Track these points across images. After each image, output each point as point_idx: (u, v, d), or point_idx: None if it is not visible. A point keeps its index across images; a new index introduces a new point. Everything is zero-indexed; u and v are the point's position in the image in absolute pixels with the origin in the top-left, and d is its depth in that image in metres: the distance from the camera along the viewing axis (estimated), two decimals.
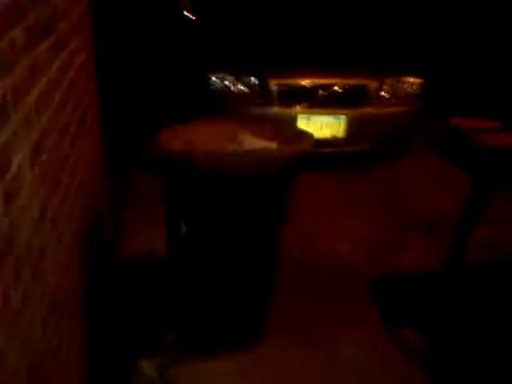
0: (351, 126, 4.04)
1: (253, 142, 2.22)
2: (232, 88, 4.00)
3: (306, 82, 4.02)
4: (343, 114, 4.03)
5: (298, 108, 3.99)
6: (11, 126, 1.22)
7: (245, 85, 4.00)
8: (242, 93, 4.00)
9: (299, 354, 2.41)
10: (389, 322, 2.63)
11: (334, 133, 4.06)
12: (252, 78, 3.99)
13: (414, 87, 4.28)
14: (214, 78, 4.01)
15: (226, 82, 4.01)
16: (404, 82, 4.27)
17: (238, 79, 4.00)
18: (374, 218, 3.56)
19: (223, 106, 3.93)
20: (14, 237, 1.22)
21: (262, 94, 3.98)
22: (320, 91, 4.01)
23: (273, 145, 2.20)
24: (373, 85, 4.11)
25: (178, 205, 2.24)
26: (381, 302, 2.77)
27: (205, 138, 2.23)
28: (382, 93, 4.16)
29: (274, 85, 3.96)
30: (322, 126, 4.02)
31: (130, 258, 2.94)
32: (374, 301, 2.78)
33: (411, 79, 4.29)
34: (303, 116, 3.98)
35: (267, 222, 2.22)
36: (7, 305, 1.18)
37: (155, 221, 2.57)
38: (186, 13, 4.58)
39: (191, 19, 4.56)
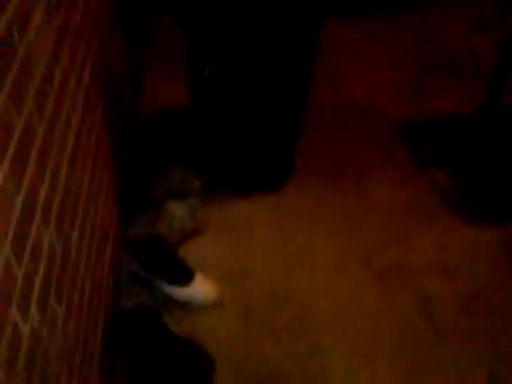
0: None
1: None
2: None
3: None
4: None
5: None
6: None
7: None
8: None
9: (328, 191, 2.41)
10: (418, 162, 2.59)
11: None
12: None
13: None
14: None
15: None
16: None
17: None
18: (405, 62, 3.36)
19: None
20: None
21: None
22: None
23: None
24: None
25: (202, 44, 2.07)
26: (411, 144, 2.71)
27: None
28: None
29: None
30: None
31: (153, 110, 2.85)
32: (404, 142, 2.71)
33: None
34: None
35: (298, 57, 2.06)
36: None
37: (177, 76, 2.46)
38: None
39: None
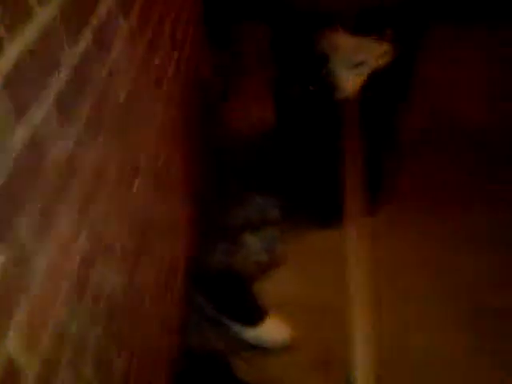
0: None
1: None
2: None
3: None
4: None
5: None
6: None
7: None
8: None
9: (415, 226, 2.22)
10: None
11: None
12: None
13: None
14: None
15: None
16: None
17: None
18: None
19: None
20: None
21: None
22: None
23: None
24: None
25: (291, 63, 1.96)
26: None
27: None
28: None
29: None
30: None
31: (238, 127, 2.79)
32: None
33: None
34: None
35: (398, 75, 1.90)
36: None
37: (264, 87, 2.36)
38: None
39: None
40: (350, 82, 1.65)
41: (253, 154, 2.57)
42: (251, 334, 1.80)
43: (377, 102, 1.83)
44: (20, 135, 0.71)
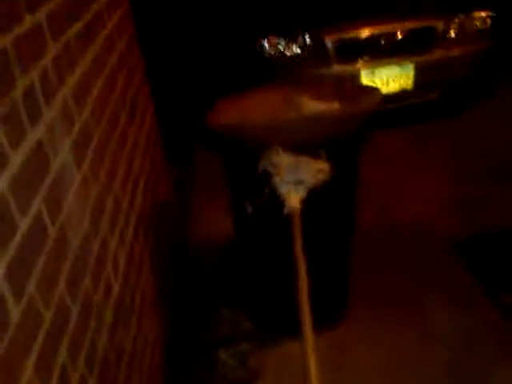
0: (420, 74, 3.71)
1: (314, 106, 2.02)
2: (285, 51, 3.75)
3: (365, 33, 3.70)
4: (411, 62, 3.69)
5: (359, 63, 3.69)
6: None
7: (298, 46, 3.75)
8: (296, 55, 3.75)
9: (388, 328, 2.21)
10: (480, 286, 2.38)
11: (402, 84, 3.73)
12: (306, 38, 3.73)
13: (484, 22, 3.86)
14: (265, 44, 3.78)
15: (279, 46, 3.77)
16: (473, 18, 3.86)
17: (291, 41, 3.74)
18: (452, 172, 3.27)
19: (278, 72, 3.69)
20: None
21: (318, 54, 3.71)
22: (382, 41, 3.68)
23: (336, 106, 1.99)
24: (440, 25, 3.74)
25: (240, 182, 2.08)
26: (468, 264, 2.52)
27: (261, 106, 2.05)
28: (451, 32, 3.78)
29: (330, 41, 3.67)
30: (389, 78, 3.71)
31: (200, 240, 2.85)
32: (460, 263, 2.53)
33: (481, 13, 3.86)
34: (366, 71, 3.68)
35: (339, 190, 2.02)
36: None
37: (223, 201, 2.45)
38: None
39: None
40: (291, 198, 1.76)
41: (216, 266, 2.63)
42: None
43: (318, 217, 1.93)
44: None
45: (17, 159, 0.96)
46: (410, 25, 3.73)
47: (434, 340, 2.14)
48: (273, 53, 3.77)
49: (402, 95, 3.76)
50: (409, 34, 3.71)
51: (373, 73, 3.69)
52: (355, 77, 3.65)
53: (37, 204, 1.01)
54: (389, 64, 3.69)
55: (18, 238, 0.92)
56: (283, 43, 3.75)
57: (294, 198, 1.75)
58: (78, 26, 1.44)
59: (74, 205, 1.21)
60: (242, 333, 2.20)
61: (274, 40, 3.76)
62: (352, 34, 3.73)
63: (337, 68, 3.69)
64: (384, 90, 3.49)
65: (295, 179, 1.75)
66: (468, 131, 3.69)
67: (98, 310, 1.29)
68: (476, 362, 2.00)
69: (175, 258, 2.46)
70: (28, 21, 1.09)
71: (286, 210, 1.77)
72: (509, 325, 2.16)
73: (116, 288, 1.47)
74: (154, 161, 2.40)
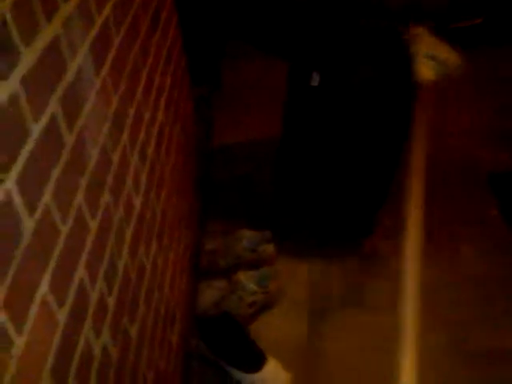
0: None
1: None
2: None
3: None
4: None
5: None
6: None
7: None
8: None
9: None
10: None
11: None
12: None
13: None
14: None
15: None
16: None
17: None
18: (491, 107, 3.07)
19: None
20: None
21: None
22: None
23: None
24: None
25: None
26: (502, 199, 2.42)
27: None
28: None
29: None
30: None
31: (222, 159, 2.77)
32: (494, 197, 2.43)
33: None
34: None
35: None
36: None
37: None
38: None
39: None
40: (423, 70, 1.75)
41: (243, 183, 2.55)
42: (251, 379, 1.75)
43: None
44: None
45: (30, 57, 0.85)
46: None
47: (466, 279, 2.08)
48: None
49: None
50: None
51: None
52: None
53: (52, 107, 0.91)
54: None
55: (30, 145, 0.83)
56: None
57: (426, 71, 1.74)
58: None
59: (92, 113, 1.11)
60: (264, 257, 2.15)
61: None
62: None
63: None
64: None
65: (430, 54, 1.74)
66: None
67: (118, 227, 1.22)
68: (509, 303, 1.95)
69: (198, 177, 2.38)
70: None
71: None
72: None
73: (137, 204, 1.40)
74: (177, 74, 2.26)
